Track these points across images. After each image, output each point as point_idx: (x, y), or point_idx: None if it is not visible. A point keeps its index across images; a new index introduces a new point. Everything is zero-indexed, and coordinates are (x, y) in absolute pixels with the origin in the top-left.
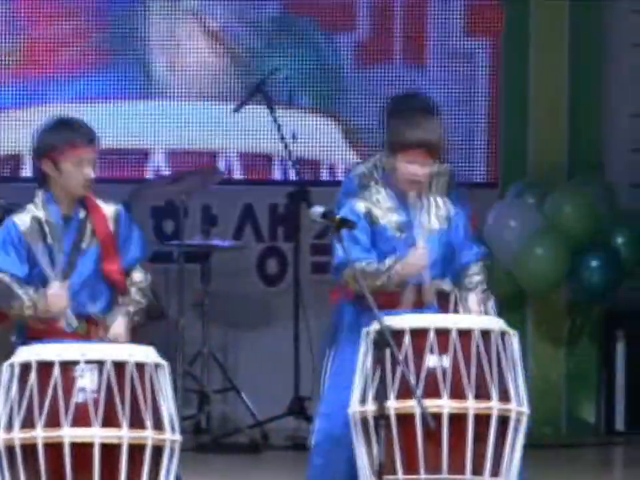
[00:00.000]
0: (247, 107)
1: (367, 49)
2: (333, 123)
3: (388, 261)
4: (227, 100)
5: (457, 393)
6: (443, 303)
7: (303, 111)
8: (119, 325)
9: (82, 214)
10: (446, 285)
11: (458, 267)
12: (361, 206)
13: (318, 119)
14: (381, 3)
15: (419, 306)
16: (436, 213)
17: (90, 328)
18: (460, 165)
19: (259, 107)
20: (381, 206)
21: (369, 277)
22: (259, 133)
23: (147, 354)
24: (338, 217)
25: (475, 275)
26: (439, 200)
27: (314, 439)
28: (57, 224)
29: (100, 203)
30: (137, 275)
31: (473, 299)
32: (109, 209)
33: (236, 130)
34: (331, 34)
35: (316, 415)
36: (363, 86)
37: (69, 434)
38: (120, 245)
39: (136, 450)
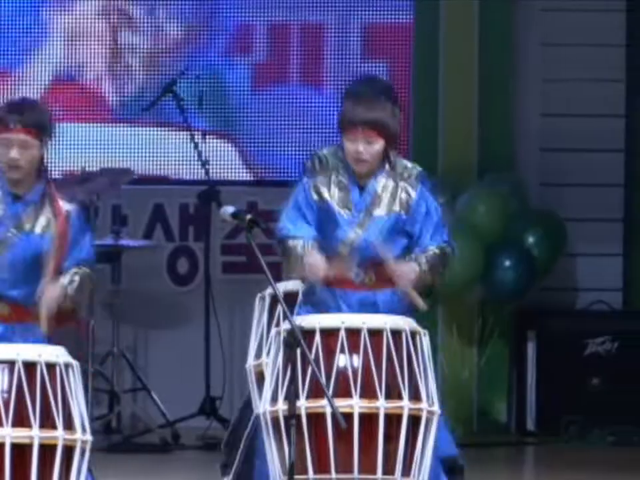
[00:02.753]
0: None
1: (264, 70)
2: (229, 143)
3: (301, 250)
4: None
5: (368, 392)
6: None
7: (200, 132)
8: (51, 289)
9: (36, 198)
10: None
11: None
12: (310, 183)
13: (214, 140)
14: (278, 25)
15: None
16: (393, 197)
17: (12, 311)
18: None
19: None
20: (334, 184)
21: (291, 257)
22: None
23: (57, 354)
24: (248, 216)
25: (426, 252)
26: (403, 184)
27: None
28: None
29: (60, 199)
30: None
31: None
32: (65, 207)
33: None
34: (229, 55)
35: None
36: (259, 107)
37: None
38: (69, 246)
39: (47, 450)
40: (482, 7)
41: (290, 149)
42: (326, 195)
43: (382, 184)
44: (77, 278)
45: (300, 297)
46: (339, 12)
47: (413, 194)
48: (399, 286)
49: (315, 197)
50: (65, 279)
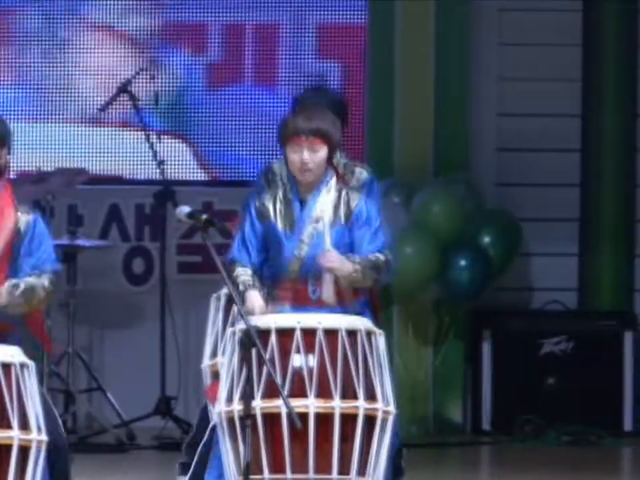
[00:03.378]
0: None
1: (219, 70)
2: (184, 143)
3: (242, 286)
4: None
5: (323, 392)
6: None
7: (155, 132)
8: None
9: None
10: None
11: None
12: (256, 204)
13: (169, 140)
14: (232, 24)
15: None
16: (336, 209)
17: None
18: None
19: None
20: (280, 200)
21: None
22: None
23: (12, 354)
24: (203, 216)
25: (363, 255)
26: (345, 194)
27: None
28: None
29: (19, 208)
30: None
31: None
32: (23, 217)
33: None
34: (183, 55)
35: None
36: (214, 107)
37: None
38: (21, 254)
39: (2, 450)
40: (438, 7)
41: (245, 148)
42: (271, 215)
43: (324, 196)
44: (22, 285)
45: None
46: (294, 12)
47: (354, 204)
48: (321, 264)
49: (259, 222)
50: (8, 285)
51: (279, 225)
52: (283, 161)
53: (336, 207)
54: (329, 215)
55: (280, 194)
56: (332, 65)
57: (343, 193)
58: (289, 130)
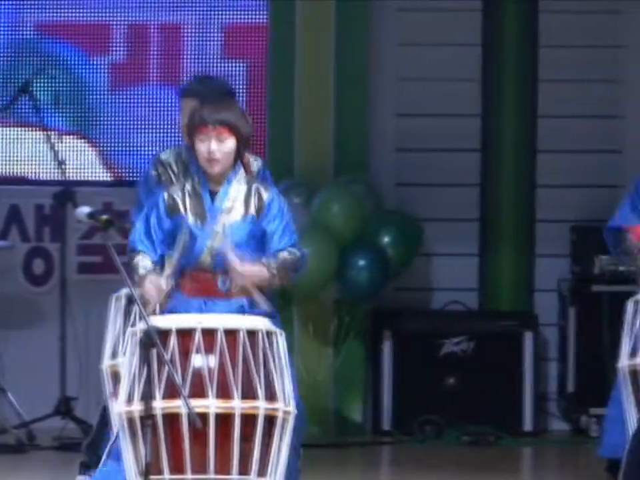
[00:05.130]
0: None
1: (122, 71)
2: (87, 144)
3: (142, 271)
4: None
5: (224, 392)
6: None
7: (56, 132)
8: None
9: None
10: None
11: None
12: (164, 197)
13: (72, 140)
14: (136, 25)
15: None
16: (247, 200)
17: None
18: None
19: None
20: (188, 193)
21: (133, 271)
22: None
23: None
24: (104, 217)
25: (275, 256)
26: (256, 186)
27: None
28: None
29: None
30: None
31: (254, 265)
32: None
33: None
34: (86, 56)
35: None
36: (117, 107)
37: None
38: None
39: None
40: (337, 7)
41: (148, 149)
42: (181, 208)
43: (235, 188)
44: None
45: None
46: (198, 12)
47: (266, 195)
48: (234, 280)
49: (169, 217)
50: None
51: (190, 218)
52: (174, 150)
53: (247, 200)
54: (240, 207)
55: (188, 186)
56: (237, 64)
57: (254, 185)
58: (196, 120)
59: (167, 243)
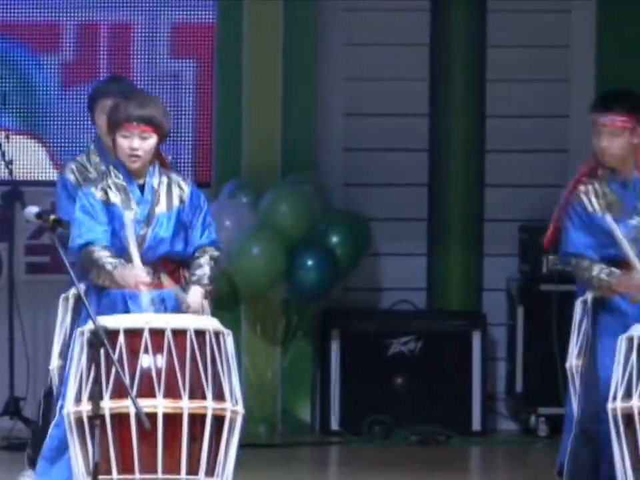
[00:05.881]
0: None
1: (73, 70)
2: (37, 143)
3: (110, 266)
4: None
5: (172, 392)
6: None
7: (3, 131)
8: None
9: None
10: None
11: (191, 249)
12: (93, 192)
13: (22, 140)
14: (86, 24)
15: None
16: (170, 192)
17: None
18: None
19: None
20: (113, 187)
21: (96, 265)
22: None
23: None
24: (52, 217)
25: (202, 267)
26: (175, 178)
27: None
28: None
29: None
30: None
31: (195, 291)
32: None
33: None
34: (36, 55)
35: None
36: (67, 106)
37: None
38: None
39: None
40: (285, 7)
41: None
42: (113, 198)
43: (157, 181)
44: None
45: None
46: (147, 11)
47: (186, 188)
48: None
49: (102, 198)
50: None
51: (121, 208)
52: (87, 150)
53: (169, 191)
54: (164, 199)
55: (111, 181)
56: (185, 63)
57: (174, 177)
58: (120, 116)
59: (108, 231)
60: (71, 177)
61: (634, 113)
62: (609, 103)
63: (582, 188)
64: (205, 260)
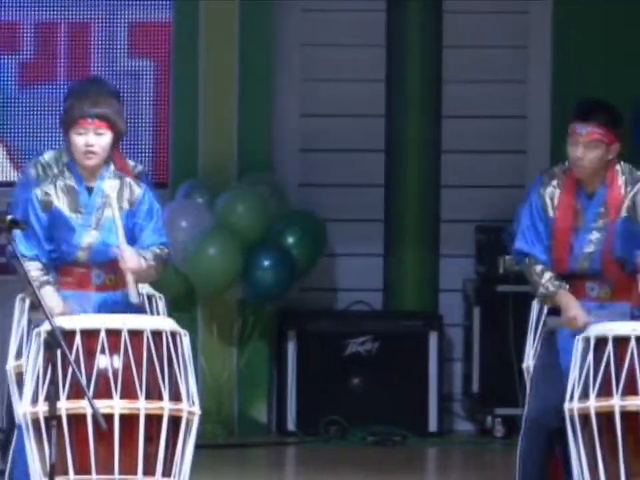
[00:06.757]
0: None
1: (31, 68)
2: None
3: (36, 283)
4: None
5: (128, 393)
6: None
7: None
8: None
9: None
10: None
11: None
12: (37, 194)
13: None
14: (45, 23)
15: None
16: (121, 195)
17: None
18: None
19: None
20: (61, 189)
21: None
22: None
23: None
24: (8, 217)
25: (145, 252)
26: (128, 180)
27: None
28: None
29: None
30: None
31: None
32: None
33: None
34: None
35: None
36: (26, 105)
37: None
38: None
39: None
40: (242, 6)
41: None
42: (55, 202)
43: (108, 184)
44: None
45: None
46: (106, 10)
47: (138, 191)
48: (122, 268)
49: (44, 212)
50: None
51: (66, 212)
52: (56, 152)
53: (120, 194)
54: (115, 200)
55: (60, 182)
56: (143, 61)
57: (126, 179)
58: (75, 113)
59: (47, 240)
60: (32, 171)
61: (612, 127)
62: (589, 114)
63: (548, 190)
64: (148, 252)
